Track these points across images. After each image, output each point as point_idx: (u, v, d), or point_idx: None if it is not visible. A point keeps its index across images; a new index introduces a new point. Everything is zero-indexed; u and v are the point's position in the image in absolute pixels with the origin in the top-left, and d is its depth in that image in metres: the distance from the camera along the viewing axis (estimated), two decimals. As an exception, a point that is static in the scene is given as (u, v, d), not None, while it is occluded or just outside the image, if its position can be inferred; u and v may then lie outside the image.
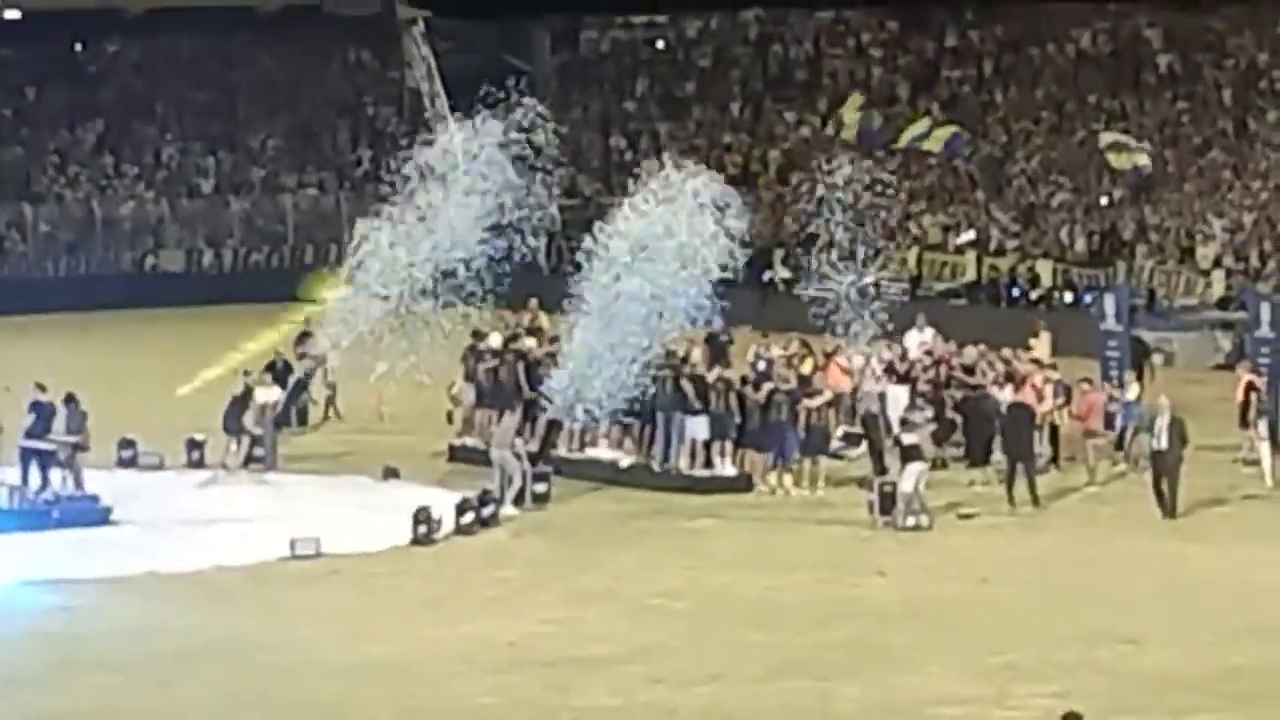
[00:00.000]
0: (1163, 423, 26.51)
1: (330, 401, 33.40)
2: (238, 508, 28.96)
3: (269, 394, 30.57)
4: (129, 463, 30.06)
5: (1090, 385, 29.61)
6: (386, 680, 21.25)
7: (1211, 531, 26.93)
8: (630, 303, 28.15)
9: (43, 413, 27.61)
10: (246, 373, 31.51)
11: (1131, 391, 29.68)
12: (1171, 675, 20.59)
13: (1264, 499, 28.36)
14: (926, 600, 23.89)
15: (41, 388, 27.90)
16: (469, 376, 31.04)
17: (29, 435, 27.61)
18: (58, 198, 52.00)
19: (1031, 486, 27.25)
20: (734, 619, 23.76)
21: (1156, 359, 35.39)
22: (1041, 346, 32.42)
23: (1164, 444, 26.19)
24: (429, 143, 30.68)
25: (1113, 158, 41.84)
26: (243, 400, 30.09)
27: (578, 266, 29.43)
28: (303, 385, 32.04)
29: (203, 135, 53.85)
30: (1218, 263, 41.50)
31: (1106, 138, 43.10)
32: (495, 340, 30.78)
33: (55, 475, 27.52)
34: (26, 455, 27.48)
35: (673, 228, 28.21)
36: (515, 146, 29.95)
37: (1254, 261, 41.04)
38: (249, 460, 30.18)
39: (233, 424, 29.89)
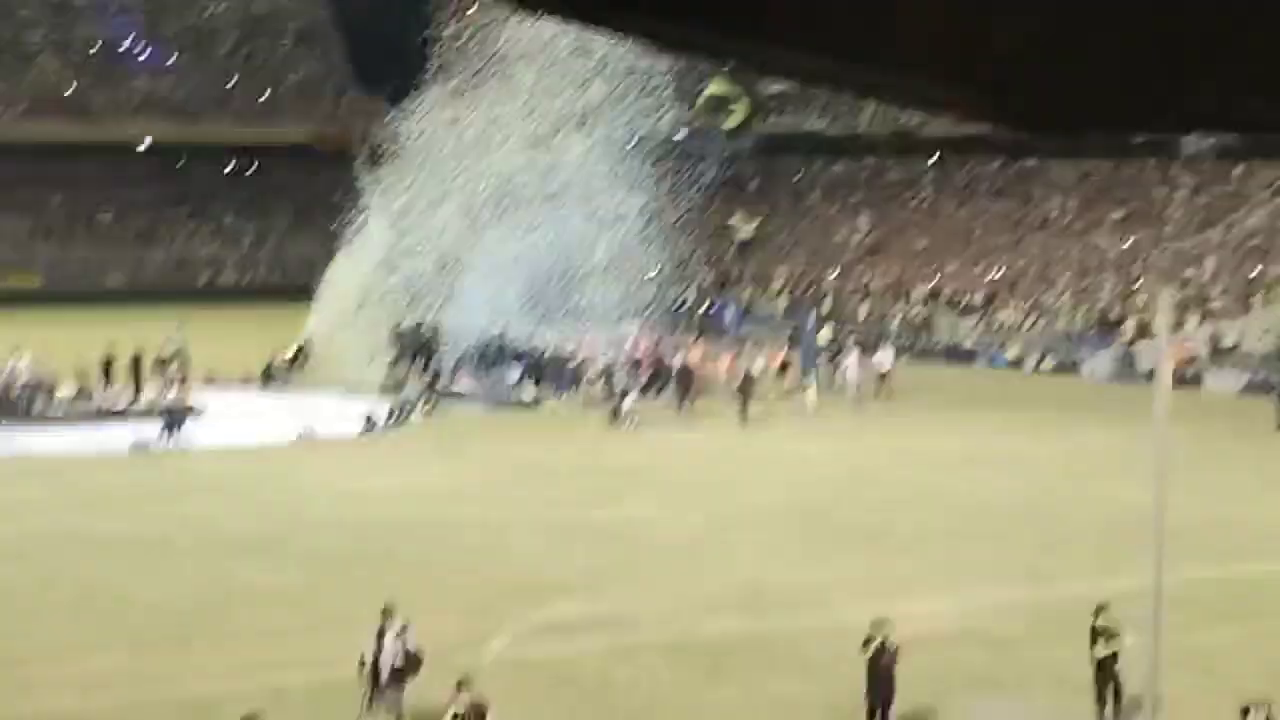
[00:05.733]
0: (759, 368, 46.25)
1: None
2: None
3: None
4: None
5: (728, 355, 48.60)
6: (361, 500, 32.61)
7: (765, 429, 43.15)
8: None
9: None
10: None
11: (759, 362, 47.63)
12: (760, 508, 32.11)
13: (804, 417, 45.30)
14: (642, 462, 37.40)
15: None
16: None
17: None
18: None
19: (689, 406, 45.21)
20: (535, 472, 35.22)
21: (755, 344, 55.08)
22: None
23: (752, 384, 45.30)
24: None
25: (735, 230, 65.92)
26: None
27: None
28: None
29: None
30: (780, 291, 65.57)
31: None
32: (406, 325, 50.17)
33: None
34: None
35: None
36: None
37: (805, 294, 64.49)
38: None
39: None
